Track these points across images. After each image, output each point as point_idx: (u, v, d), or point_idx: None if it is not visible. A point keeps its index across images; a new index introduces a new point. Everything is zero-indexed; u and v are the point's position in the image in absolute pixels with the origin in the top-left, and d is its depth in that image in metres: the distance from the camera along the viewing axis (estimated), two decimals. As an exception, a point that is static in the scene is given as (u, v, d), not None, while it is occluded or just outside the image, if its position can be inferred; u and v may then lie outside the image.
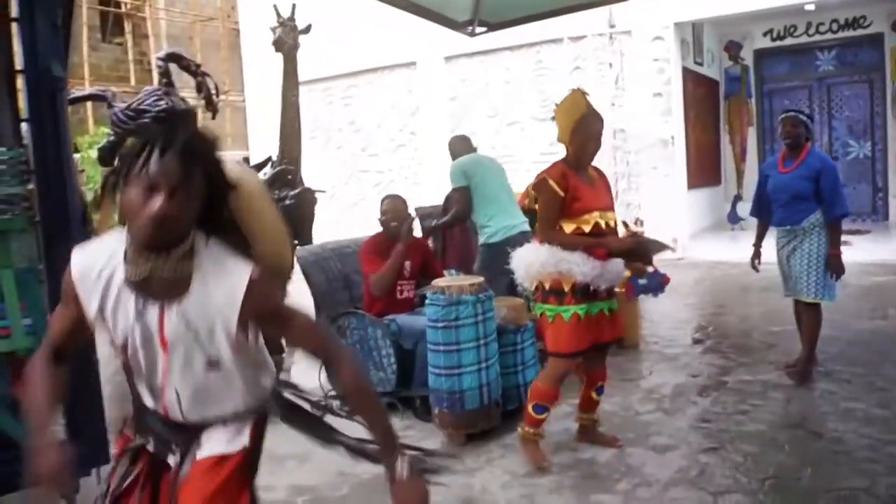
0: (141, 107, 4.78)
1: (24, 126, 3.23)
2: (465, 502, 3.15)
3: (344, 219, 11.88)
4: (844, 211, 4.45)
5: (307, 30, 5.54)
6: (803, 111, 4.90)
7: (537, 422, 3.51)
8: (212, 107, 5.21)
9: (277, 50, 5.37)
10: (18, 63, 3.13)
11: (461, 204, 5.14)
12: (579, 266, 3.29)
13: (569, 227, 3.38)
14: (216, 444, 1.77)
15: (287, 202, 5.32)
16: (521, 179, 5.98)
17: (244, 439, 1.79)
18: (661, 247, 3.53)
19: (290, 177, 5.47)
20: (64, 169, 3.18)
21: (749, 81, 12.43)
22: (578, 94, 3.59)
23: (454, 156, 5.56)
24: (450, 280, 4.03)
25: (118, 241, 1.64)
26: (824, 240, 4.43)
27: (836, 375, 4.54)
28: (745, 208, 11.60)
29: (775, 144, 12.26)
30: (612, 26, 10.27)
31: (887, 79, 11.18)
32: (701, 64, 11.57)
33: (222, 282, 1.63)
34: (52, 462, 1.58)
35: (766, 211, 4.78)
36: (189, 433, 1.78)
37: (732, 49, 12.43)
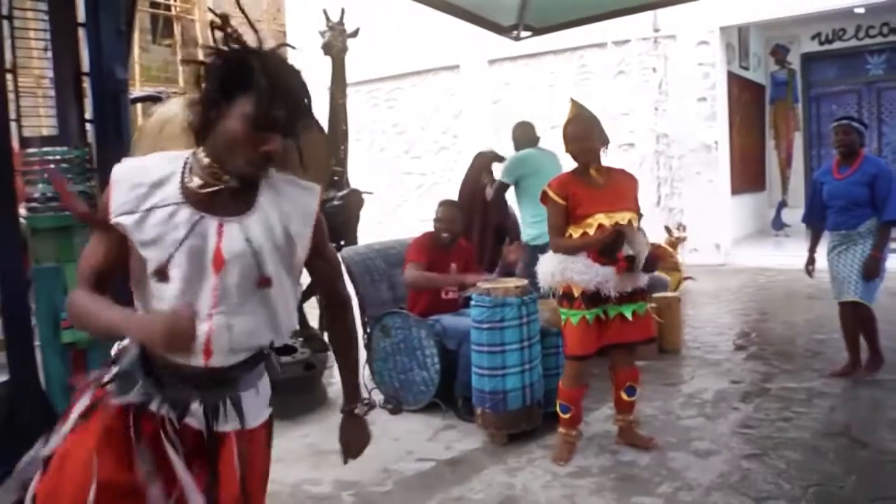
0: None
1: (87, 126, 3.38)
2: (507, 500, 3.20)
3: (387, 220, 11.99)
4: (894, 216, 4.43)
5: (355, 33, 5.63)
6: (856, 118, 4.87)
7: (564, 421, 3.64)
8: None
9: (326, 53, 5.47)
10: (84, 66, 3.28)
11: (493, 201, 5.33)
12: (580, 274, 3.42)
13: (576, 233, 3.49)
14: (257, 411, 1.75)
15: (335, 203, 5.42)
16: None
17: (268, 404, 1.81)
18: (638, 240, 3.47)
19: (336, 178, 5.57)
20: (125, 168, 3.30)
21: (796, 86, 12.26)
22: (570, 103, 3.76)
23: (517, 145, 5.57)
24: (495, 282, 4.08)
25: (171, 158, 1.67)
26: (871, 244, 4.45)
27: (884, 384, 4.49)
28: (789, 215, 11.51)
29: (822, 150, 12.08)
30: (656, 30, 10.23)
31: (939, 83, 10.98)
32: (746, 68, 11.45)
33: (294, 199, 1.71)
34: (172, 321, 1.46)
35: (820, 218, 4.79)
36: (215, 388, 1.66)
37: (779, 53, 12.28)
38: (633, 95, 10.53)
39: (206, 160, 1.62)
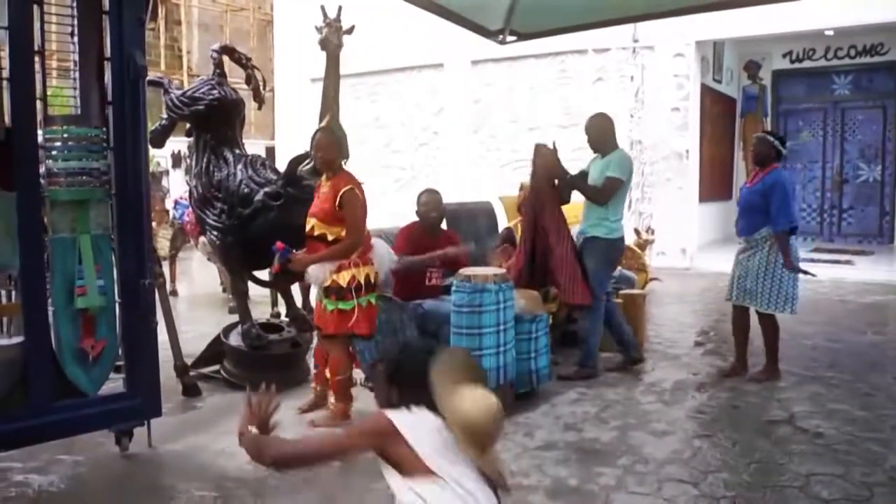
0: (195, 94, 5.13)
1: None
2: (481, 467, 3.51)
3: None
4: (787, 226, 4.70)
5: (351, 30, 5.83)
6: (777, 135, 5.15)
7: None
8: (259, 98, 5.57)
9: (323, 49, 5.68)
10: (107, 52, 3.52)
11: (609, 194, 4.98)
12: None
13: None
14: None
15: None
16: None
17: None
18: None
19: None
20: (139, 148, 3.56)
21: (766, 101, 12.74)
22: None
23: (602, 138, 5.06)
24: (475, 269, 4.39)
25: None
26: (774, 253, 4.73)
27: (826, 380, 4.89)
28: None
29: (788, 164, 12.56)
30: (635, 41, 10.61)
31: (901, 105, 11.51)
32: (720, 81, 11.89)
33: None
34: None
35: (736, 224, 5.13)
36: None
37: (751, 68, 12.75)
38: (610, 102, 10.88)
39: None
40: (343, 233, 3.93)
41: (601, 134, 5.08)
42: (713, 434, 3.92)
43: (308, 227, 4.00)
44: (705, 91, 11.16)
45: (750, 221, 4.86)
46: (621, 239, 5.13)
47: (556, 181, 5.04)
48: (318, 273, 3.92)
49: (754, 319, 4.98)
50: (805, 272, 4.79)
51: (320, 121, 5.89)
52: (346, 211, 3.91)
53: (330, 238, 3.94)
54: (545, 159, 4.97)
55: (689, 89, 10.58)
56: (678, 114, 10.59)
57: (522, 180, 6.07)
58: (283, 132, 14.27)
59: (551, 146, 5.03)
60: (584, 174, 5.10)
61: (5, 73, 3.21)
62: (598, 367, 5.05)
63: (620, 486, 3.29)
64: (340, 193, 3.90)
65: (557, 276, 4.92)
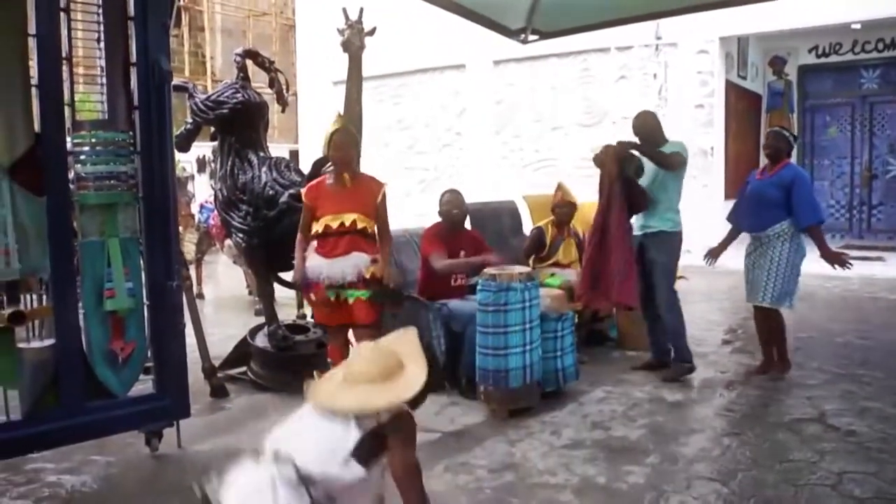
0: (220, 98, 5.19)
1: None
2: (508, 467, 3.50)
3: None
4: (818, 219, 4.72)
5: (372, 32, 5.84)
6: (789, 130, 5.11)
7: None
8: (282, 101, 5.62)
9: (345, 51, 5.70)
10: (132, 58, 3.55)
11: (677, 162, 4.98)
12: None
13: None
14: None
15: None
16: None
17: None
18: None
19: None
20: (165, 152, 3.60)
21: (792, 96, 12.59)
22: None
23: (653, 134, 5.03)
24: (500, 268, 4.38)
25: None
26: (787, 248, 4.68)
27: (857, 378, 4.81)
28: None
29: (815, 160, 12.42)
30: (658, 38, 10.54)
31: (930, 99, 11.32)
32: (744, 77, 11.78)
33: None
34: None
35: (740, 216, 5.06)
36: None
37: (777, 64, 12.61)
38: (633, 100, 10.83)
39: None
40: (374, 226, 4.03)
41: (651, 130, 5.06)
42: (742, 432, 3.88)
43: (348, 222, 3.94)
44: (730, 87, 11.06)
45: (766, 216, 4.76)
46: (682, 232, 5.12)
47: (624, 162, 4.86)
48: (360, 264, 3.93)
49: (786, 316, 4.92)
50: (845, 262, 4.71)
51: (334, 121, 5.95)
52: (382, 207, 4.04)
53: (369, 231, 4.01)
54: (611, 150, 4.85)
55: (713, 86, 10.49)
56: (703, 111, 10.50)
57: (560, 180, 6.04)
58: (307, 135, 14.35)
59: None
60: (640, 167, 4.99)
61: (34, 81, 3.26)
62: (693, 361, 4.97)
63: (649, 485, 3.26)
64: (383, 191, 4.04)
65: (610, 273, 4.77)
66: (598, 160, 4.88)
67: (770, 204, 4.73)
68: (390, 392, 2.15)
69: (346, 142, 4.04)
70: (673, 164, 4.89)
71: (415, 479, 2.21)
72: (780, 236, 4.71)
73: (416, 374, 2.19)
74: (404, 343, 2.33)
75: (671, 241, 5.00)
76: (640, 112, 5.22)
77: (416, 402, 2.26)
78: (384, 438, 2.16)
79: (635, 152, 4.87)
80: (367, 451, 2.12)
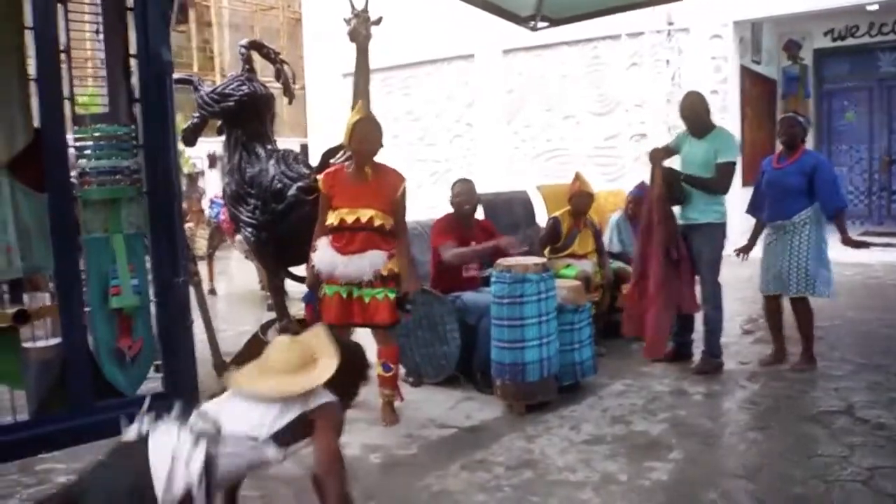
0: (225, 91, 5.09)
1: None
2: (526, 464, 3.40)
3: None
4: (842, 205, 4.66)
5: (378, 21, 5.74)
6: (803, 115, 5.01)
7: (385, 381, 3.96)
8: (289, 93, 5.51)
9: (352, 41, 5.60)
10: (132, 49, 3.46)
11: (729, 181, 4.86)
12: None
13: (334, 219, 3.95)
14: None
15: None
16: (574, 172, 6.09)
17: None
18: None
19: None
20: (169, 146, 3.50)
21: (808, 81, 12.37)
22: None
23: (701, 118, 4.92)
24: (515, 260, 4.27)
25: None
26: (811, 235, 4.59)
27: (884, 368, 4.68)
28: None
29: (832, 146, 12.21)
30: (670, 23, 10.37)
31: (950, 82, 11.09)
32: (759, 62, 11.58)
33: None
34: None
35: (762, 207, 4.96)
36: None
37: (791, 48, 12.38)
38: (645, 87, 10.67)
39: None
40: (392, 223, 3.88)
41: (699, 115, 4.92)
42: (767, 426, 3.76)
43: (365, 219, 3.81)
44: (744, 73, 10.86)
45: (788, 204, 4.67)
46: (727, 223, 4.98)
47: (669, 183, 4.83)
48: (377, 262, 3.81)
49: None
50: (865, 245, 4.61)
51: (356, 110, 5.85)
52: (401, 203, 3.90)
53: (387, 227, 3.85)
54: (660, 166, 4.80)
55: (727, 72, 10.31)
56: (717, 97, 10.30)
57: (577, 170, 5.92)
58: (316, 129, 14.26)
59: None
60: (668, 149, 4.97)
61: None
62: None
63: (673, 482, 3.16)
64: (403, 186, 3.91)
65: (679, 287, 4.79)
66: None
67: (793, 192, 4.63)
68: (305, 380, 2.36)
69: (372, 132, 3.86)
70: (722, 189, 4.82)
71: (336, 465, 2.33)
72: (805, 224, 4.61)
73: (328, 364, 2.39)
74: (317, 338, 2.54)
75: (716, 232, 4.87)
76: (688, 94, 5.10)
77: (347, 395, 2.52)
78: (310, 424, 2.31)
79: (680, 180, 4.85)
80: (290, 436, 2.28)
